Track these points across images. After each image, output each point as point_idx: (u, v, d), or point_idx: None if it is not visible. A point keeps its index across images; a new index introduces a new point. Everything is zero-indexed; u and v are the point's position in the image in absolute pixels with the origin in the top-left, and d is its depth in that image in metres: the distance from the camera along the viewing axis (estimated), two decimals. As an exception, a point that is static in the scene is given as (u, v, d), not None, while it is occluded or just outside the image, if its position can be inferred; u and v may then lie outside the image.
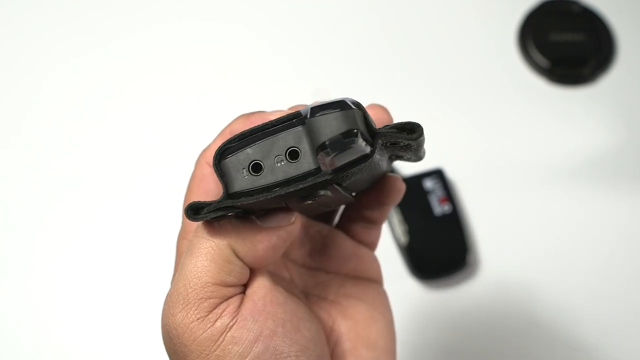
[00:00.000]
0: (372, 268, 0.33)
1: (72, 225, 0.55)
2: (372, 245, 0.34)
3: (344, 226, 0.34)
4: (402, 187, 0.31)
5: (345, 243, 0.33)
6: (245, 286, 0.27)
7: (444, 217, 0.54)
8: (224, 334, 0.25)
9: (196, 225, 0.27)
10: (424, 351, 0.51)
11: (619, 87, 0.62)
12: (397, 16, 0.65)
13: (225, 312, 0.26)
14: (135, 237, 0.55)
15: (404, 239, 0.53)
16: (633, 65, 0.63)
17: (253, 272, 0.27)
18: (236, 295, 0.27)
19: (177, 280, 0.26)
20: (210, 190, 0.30)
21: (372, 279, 0.33)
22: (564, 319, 0.53)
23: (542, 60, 0.63)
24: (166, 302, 0.27)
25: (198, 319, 0.25)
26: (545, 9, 0.65)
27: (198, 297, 0.26)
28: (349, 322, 0.31)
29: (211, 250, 0.26)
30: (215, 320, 0.25)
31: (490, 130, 0.60)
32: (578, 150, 0.60)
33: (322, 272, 0.33)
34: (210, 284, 0.26)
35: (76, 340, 0.51)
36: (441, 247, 0.54)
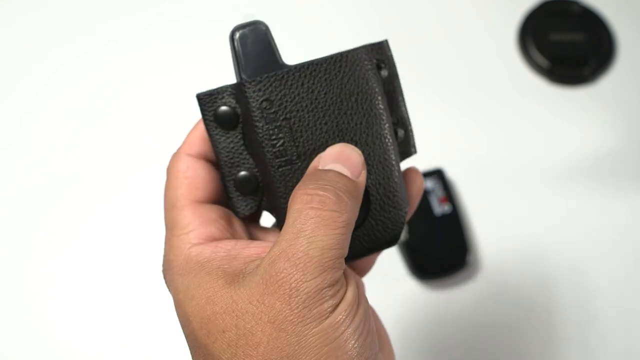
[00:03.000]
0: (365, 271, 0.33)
1: (71, 225, 0.55)
2: (361, 272, 0.34)
3: None
4: (421, 183, 0.32)
5: None
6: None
7: (444, 217, 0.54)
8: (349, 324, 0.25)
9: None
10: (424, 351, 0.51)
11: (619, 87, 0.62)
12: (397, 16, 0.66)
13: (344, 301, 0.25)
14: (135, 237, 0.55)
15: (403, 238, 0.53)
16: (633, 65, 0.63)
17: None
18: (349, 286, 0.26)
19: (307, 248, 0.25)
20: (198, 175, 0.30)
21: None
22: (564, 319, 0.53)
23: (542, 60, 0.63)
24: (281, 262, 0.25)
25: (330, 285, 0.25)
26: (545, 9, 0.65)
27: (330, 269, 0.25)
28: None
29: (345, 222, 0.26)
30: (340, 300, 0.25)
31: (490, 130, 0.60)
32: (578, 150, 0.60)
33: None
34: (338, 259, 0.25)
35: (76, 340, 0.51)
36: (441, 247, 0.54)
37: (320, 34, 0.63)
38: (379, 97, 0.30)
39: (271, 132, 0.30)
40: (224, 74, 0.66)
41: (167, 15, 0.65)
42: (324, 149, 0.30)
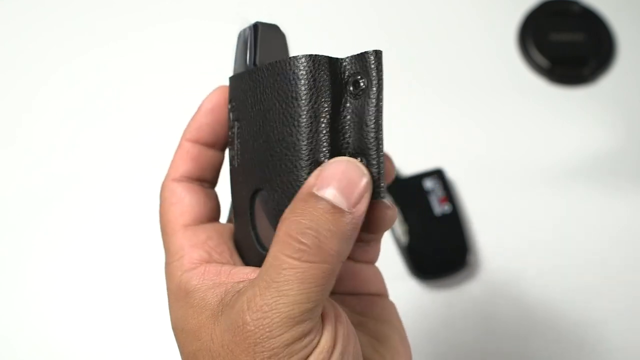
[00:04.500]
0: (373, 282, 0.32)
1: (72, 225, 0.55)
2: (371, 262, 0.32)
3: None
4: (393, 215, 0.28)
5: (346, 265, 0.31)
6: (335, 322, 0.26)
7: (444, 217, 0.54)
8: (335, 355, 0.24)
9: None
10: (424, 351, 0.51)
11: (619, 87, 0.62)
12: (397, 16, 0.66)
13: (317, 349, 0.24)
14: (136, 237, 0.55)
15: (404, 239, 0.53)
16: (633, 65, 0.63)
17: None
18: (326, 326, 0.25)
19: (276, 301, 0.23)
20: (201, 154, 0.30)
21: (375, 293, 0.31)
22: (564, 319, 0.53)
23: (542, 60, 0.63)
24: (255, 319, 0.24)
25: (300, 338, 0.24)
26: (545, 9, 0.65)
27: (303, 320, 0.24)
28: (363, 337, 0.29)
29: (327, 273, 0.24)
30: (316, 345, 0.24)
31: (491, 130, 0.60)
32: (578, 150, 0.60)
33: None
34: (314, 310, 0.24)
35: (76, 340, 0.51)
36: (441, 247, 0.54)
37: (320, 34, 0.63)
38: (302, 117, 0.25)
39: (231, 132, 0.29)
40: (225, 74, 0.66)
41: (167, 16, 0.65)
42: (257, 163, 0.27)
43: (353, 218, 0.24)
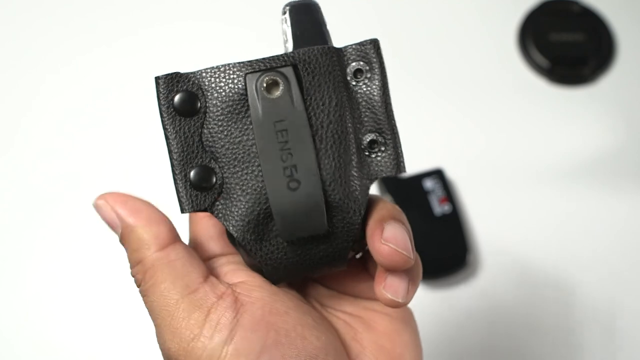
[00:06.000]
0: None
1: (72, 225, 0.55)
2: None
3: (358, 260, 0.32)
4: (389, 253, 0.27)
5: (359, 273, 0.31)
6: (236, 292, 0.26)
7: (444, 217, 0.54)
8: (226, 347, 0.24)
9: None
10: (424, 351, 0.51)
11: (619, 87, 0.62)
12: (397, 16, 0.66)
13: (220, 325, 0.25)
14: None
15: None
16: (633, 65, 0.63)
17: (244, 281, 0.27)
18: (221, 298, 0.26)
19: (155, 319, 0.26)
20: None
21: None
22: (565, 319, 0.53)
23: (542, 60, 0.63)
24: (158, 342, 0.26)
25: (193, 338, 0.25)
26: (545, 9, 0.65)
27: (181, 317, 0.25)
28: (372, 335, 0.30)
29: (150, 276, 0.26)
30: (213, 334, 0.25)
31: (491, 131, 0.60)
32: (578, 150, 0.60)
33: (338, 293, 0.31)
34: (181, 299, 0.25)
35: (76, 340, 0.51)
36: (441, 247, 0.53)
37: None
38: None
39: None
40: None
41: (168, 16, 0.65)
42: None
43: (124, 230, 0.28)
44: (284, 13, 0.29)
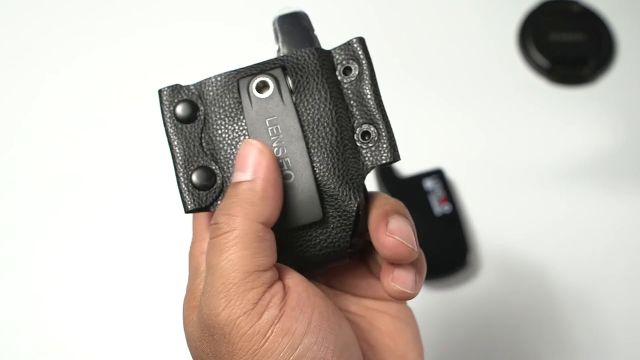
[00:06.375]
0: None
1: (72, 225, 0.55)
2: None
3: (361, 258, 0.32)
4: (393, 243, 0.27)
5: (362, 271, 0.32)
6: (281, 278, 0.27)
7: (444, 217, 0.54)
8: (273, 326, 0.25)
9: (205, 228, 0.28)
10: (425, 351, 0.51)
11: (619, 87, 0.62)
12: (397, 16, 0.65)
13: (271, 304, 0.25)
14: (136, 238, 0.55)
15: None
16: (633, 65, 0.63)
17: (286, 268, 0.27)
18: (276, 282, 0.26)
19: (213, 280, 0.25)
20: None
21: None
22: (565, 319, 0.53)
23: (542, 60, 0.63)
24: (202, 306, 0.26)
25: (245, 312, 0.25)
26: (545, 9, 0.65)
27: (240, 290, 0.25)
28: (375, 334, 0.30)
29: (237, 236, 0.25)
30: (262, 313, 0.25)
31: (491, 131, 0.60)
32: (578, 150, 0.60)
33: (341, 292, 0.32)
34: (249, 273, 0.25)
35: (76, 340, 0.51)
36: (441, 247, 0.54)
37: (320, 34, 0.63)
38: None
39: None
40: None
41: (168, 16, 0.65)
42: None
43: (254, 185, 0.26)
44: (274, 24, 0.32)
